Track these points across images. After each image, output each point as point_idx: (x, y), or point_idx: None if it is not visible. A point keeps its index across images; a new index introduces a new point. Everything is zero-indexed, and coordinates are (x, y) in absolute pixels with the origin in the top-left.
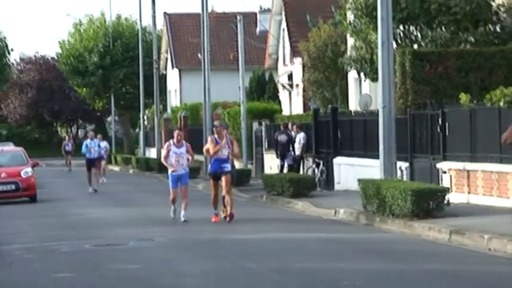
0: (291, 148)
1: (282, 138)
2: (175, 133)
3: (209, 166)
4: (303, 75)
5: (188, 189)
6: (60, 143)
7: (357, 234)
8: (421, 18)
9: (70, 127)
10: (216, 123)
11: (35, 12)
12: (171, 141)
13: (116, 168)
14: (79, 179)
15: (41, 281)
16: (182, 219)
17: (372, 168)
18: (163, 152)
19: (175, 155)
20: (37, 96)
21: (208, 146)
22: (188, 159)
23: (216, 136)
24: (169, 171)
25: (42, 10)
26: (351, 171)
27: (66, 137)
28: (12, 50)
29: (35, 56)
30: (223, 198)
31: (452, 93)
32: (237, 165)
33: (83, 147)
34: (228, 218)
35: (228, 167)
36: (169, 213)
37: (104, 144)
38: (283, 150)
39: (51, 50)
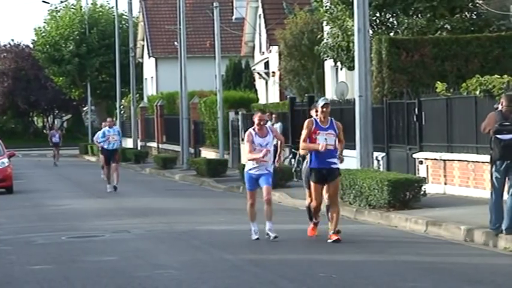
0: None
1: None
2: (257, 116)
3: (306, 161)
4: (280, 64)
5: (271, 192)
6: (37, 133)
7: None
8: (397, 5)
9: (46, 117)
10: (321, 100)
11: None
12: (251, 129)
13: (93, 159)
14: (56, 170)
15: (17, 273)
16: (271, 236)
17: (348, 159)
18: (247, 147)
19: (259, 148)
20: (13, 85)
21: (303, 131)
22: (275, 154)
23: (317, 118)
24: (246, 169)
25: None
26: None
27: (54, 127)
28: None
29: (10, 43)
30: (318, 209)
31: (429, 82)
32: (214, 155)
33: (99, 135)
34: (334, 238)
35: (337, 162)
36: (251, 234)
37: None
38: None
39: (26, 37)
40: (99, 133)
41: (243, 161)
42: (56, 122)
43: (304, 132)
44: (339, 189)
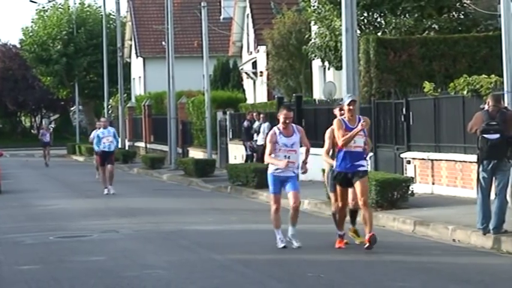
0: (255, 137)
1: (245, 124)
2: (282, 114)
3: (333, 164)
4: (267, 64)
5: (299, 198)
6: (25, 133)
7: (322, 225)
8: (385, 5)
9: (34, 117)
10: (347, 96)
11: None
12: (275, 128)
13: (81, 159)
14: (44, 170)
15: (5, 273)
16: (294, 244)
17: None
18: (268, 147)
19: (284, 148)
20: (0, 85)
21: (335, 133)
22: (302, 159)
23: (345, 117)
24: (270, 170)
25: None
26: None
27: (44, 126)
28: None
29: None
30: (351, 212)
31: (417, 82)
32: (202, 155)
33: (94, 138)
34: (368, 244)
35: (364, 165)
36: (276, 242)
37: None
38: (243, 140)
39: (13, 37)
40: (94, 135)
41: (231, 161)
42: (44, 122)
43: (338, 135)
44: (368, 189)
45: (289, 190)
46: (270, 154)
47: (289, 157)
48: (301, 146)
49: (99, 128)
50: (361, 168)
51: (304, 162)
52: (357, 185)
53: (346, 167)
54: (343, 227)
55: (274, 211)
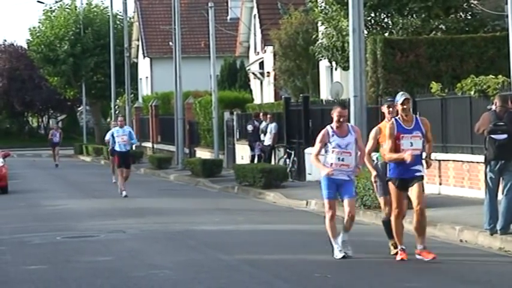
0: (262, 138)
1: (249, 127)
2: (336, 111)
3: (373, 172)
4: (274, 64)
5: (354, 205)
6: (32, 133)
7: None
8: (392, 5)
9: (41, 117)
10: (400, 94)
11: None
12: (328, 127)
13: (88, 159)
14: (51, 170)
15: (12, 273)
16: (348, 252)
17: None
18: (316, 147)
19: (338, 150)
20: (8, 85)
21: (386, 141)
22: (356, 164)
23: (399, 118)
24: (323, 174)
25: None
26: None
27: (54, 126)
28: None
29: (3, 43)
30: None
31: (424, 82)
32: (209, 155)
33: (109, 137)
34: (429, 256)
35: (421, 169)
36: (334, 252)
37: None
38: (250, 140)
39: (19, 37)
40: (109, 135)
41: (238, 161)
42: (52, 122)
43: (388, 140)
44: (425, 195)
45: (344, 197)
46: (317, 155)
47: (342, 159)
48: None
49: (115, 127)
50: (417, 174)
51: (357, 167)
52: (413, 189)
53: (401, 173)
54: (403, 239)
55: (329, 218)
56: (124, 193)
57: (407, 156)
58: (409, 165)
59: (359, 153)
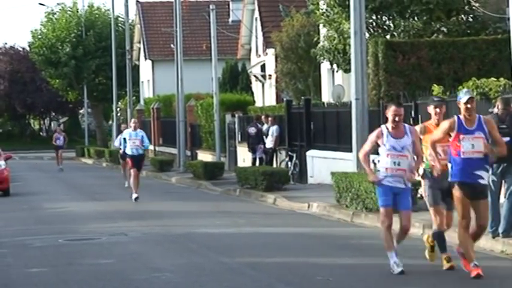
0: (265, 140)
1: (251, 130)
2: (391, 110)
3: (450, 173)
4: (276, 66)
5: (410, 218)
6: (34, 135)
7: (330, 228)
8: (393, 8)
9: (43, 119)
10: (464, 93)
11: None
12: (383, 127)
13: (89, 161)
14: (53, 173)
15: (14, 276)
16: (399, 268)
17: (345, 161)
18: (366, 145)
19: (393, 153)
20: (9, 88)
21: (441, 128)
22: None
23: (461, 117)
24: (371, 178)
25: None
26: (324, 164)
27: (58, 129)
28: None
29: (4, 46)
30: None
31: (425, 85)
32: (210, 158)
33: (118, 142)
34: (476, 272)
35: (485, 177)
36: (390, 266)
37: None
38: (252, 143)
39: (21, 40)
40: (121, 138)
41: (239, 164)
42: (53, 125)
43: (438, 133)
44: (488, 211)
45: (400, 208)
46: (367, 154)
47: (399, 163)
48: None
49: (127, 128)
50: (481, 181)
51: (412, 172)
52: (477, 205)
53: (463, 177)
54: (473, 254)
55: (385, 228)
56: (135, 195)
57: (436, 169)
58: (473, 168)
59: (416, 157)
